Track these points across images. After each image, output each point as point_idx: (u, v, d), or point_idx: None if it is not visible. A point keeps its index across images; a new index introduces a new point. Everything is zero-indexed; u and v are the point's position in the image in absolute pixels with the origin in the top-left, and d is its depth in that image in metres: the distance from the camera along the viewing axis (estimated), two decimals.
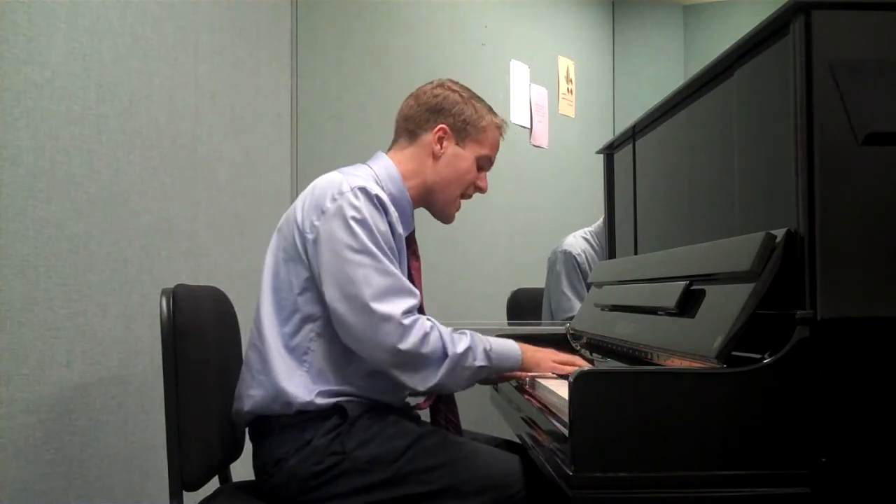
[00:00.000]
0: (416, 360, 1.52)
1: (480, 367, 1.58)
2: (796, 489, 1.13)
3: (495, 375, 1.67)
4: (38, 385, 1.78)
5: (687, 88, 1.65)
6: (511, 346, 1.65)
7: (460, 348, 1.55)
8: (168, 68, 2.27)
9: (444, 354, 1.54)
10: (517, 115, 3.99)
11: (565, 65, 4.40)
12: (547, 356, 1.68)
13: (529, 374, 1.68)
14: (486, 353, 1.59)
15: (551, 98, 4.28)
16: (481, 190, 1.78)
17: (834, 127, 1.18)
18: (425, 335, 1.52)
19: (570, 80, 4.43)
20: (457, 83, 1.78)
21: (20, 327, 1.74)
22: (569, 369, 1.60)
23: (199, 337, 1.60)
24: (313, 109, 3.11)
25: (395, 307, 1.51)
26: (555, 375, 1.66)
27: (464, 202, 1.79)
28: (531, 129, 4.10)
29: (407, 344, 1.50)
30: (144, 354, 2.08)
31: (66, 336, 1.86)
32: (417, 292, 1.58)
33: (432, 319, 1.57)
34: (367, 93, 3.34)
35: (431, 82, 1.78)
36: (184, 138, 2.34)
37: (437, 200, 1.75)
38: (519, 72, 4.05)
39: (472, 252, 3.71)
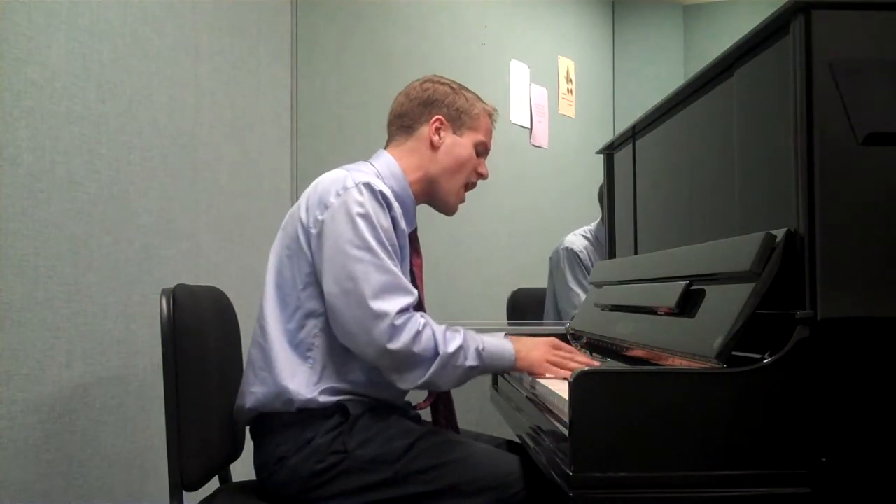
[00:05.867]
0: (406, 358, 1.52)
1: (471, 367, 1.58)
2: (796, 489, 1.13)
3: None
4: (38, 385, 1.78)
5: (687, 88, 1.65)
6: (504, 347, 1.64)
7: (451, 347, 1.55)
8: (168, 68, 2.27)
9: (436, 353, 1.54)
10: (517, 115, 3.98)
11: (565, 65, 4.39)
12: (542, 356, 1.65)
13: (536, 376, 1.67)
14: (479, 353, 1.59)
15: (551, 98, 4.27)
16: (483, 176, 1.79)
17: (834, 127, 1.17)
18: (417, 333, 1.52)
19: (570, 80, 4.43)
20: (443, 77, 1.81)
21: (20, 327, 1.74)
22: (563, 373, 1.60)
23: (199, 337, 1.61)
24: (313, 109, 3.11)
25: (390, 305, 1.51)
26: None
27: (464, 202, 1.79)
28: (531, 129, 4.09)
29: (398, 343, 1.50)
30: (144, 354, 2.08)
31: (66, 336, 1.86)
32: (415, 290, 1.58)
33: (426, 317, 1.57)
34: (367, 93, 3.34)
35: (419, 79, 1.81)
36: (184, 138, 2.34)
37: (441, 191, 1.75)
38: (519, 72, 4.04)
39: (472, 252, 3.71)
